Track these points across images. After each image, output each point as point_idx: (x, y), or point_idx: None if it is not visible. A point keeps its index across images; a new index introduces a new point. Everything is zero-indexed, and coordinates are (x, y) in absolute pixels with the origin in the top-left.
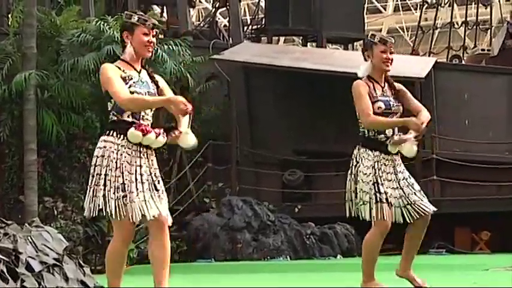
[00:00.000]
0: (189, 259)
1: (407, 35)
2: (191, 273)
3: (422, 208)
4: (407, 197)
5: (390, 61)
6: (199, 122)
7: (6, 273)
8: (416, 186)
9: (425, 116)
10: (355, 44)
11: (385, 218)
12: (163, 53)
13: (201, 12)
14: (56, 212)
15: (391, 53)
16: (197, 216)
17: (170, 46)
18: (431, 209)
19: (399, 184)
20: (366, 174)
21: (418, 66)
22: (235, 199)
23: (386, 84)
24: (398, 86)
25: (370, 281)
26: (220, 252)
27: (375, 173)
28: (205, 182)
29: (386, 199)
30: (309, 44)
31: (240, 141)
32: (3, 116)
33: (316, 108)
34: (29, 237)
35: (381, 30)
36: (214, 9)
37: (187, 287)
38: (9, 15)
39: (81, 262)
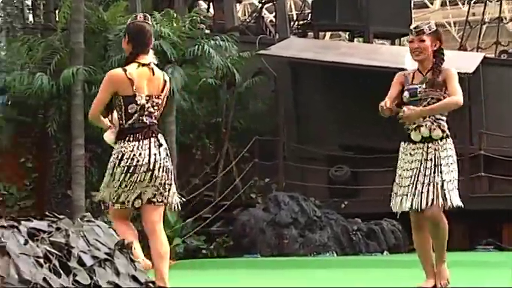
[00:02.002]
0: (235, 254)
1: (455, 30)
2: (238, 268)
3: (422, 201)
4: (415, 186)
5: (417, 50)
6: (246, 118)
7: (59, 267)
8: (445, 176)
9: (444, 101)
10: (402, 39)
11: (394, 209)
12: (210, 49)
13: (247, 8)
14: (103, 207)
15: (421, 40)
16: (243, 212)
17: (217, 41)
18: (428, 204)
19: (419, 171)
20: (397, 167)
21: (466, 61)
22: (282, 195)
23: (429, 73)
24: (445, 72)
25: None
26: (267, 247)
27: (399, 164)
28: (252, 178)
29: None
30: (355, 39)
31: (286, 136)
32: (51, 111)
33: (362, 104)
34: (80, 232)
35: None
36: (260, 4)
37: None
38: (57, 11)
39: (132, 257)
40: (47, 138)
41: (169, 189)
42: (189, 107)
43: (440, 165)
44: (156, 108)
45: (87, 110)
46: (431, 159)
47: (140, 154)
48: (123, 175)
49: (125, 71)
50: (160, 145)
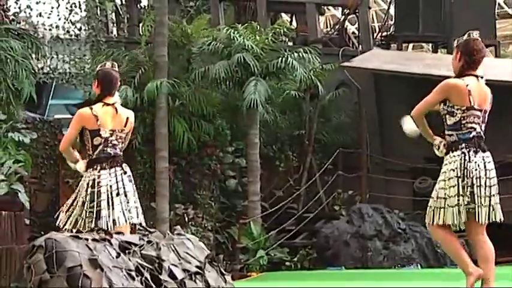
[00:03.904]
0: (319, 267)
1: None
2: (322, 280)
3: None
4: None
5: None
6: (329, 130)
7: (150, 281)
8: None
9: None
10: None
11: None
12: (294, 61)
13: (329, 20)
14: (187, 219)
15: None
16: (327, 224)
17: (300, 54)
18: None
19: None
20: None
21: None
22: (366, 207)
23: None
24: None
25: None
26: (351, 260)
27: None
28: (335, 190)
29: None
30: (439, 50)
31: (370, 148)
32: (135, 124)
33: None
34: (171, 245)
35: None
36: (343, 16)
37: None
38: (140, 25)
39: (222, 270)
40: (131, 151)
41: (134, 211)
42: (272, 119)
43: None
44: (120, 140)
45: (172, 123)
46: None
47: (106, 180)
48: (88, 199)
49: (91, 109)
50: (124, 173)
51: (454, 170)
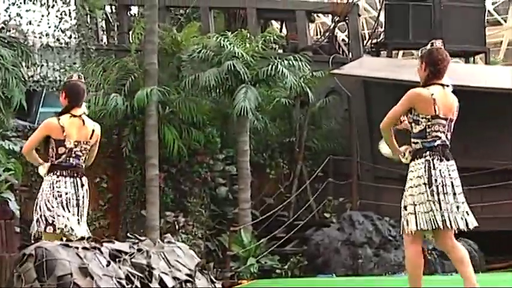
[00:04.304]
0: (309, 274)
1: None
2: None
3: None
4: None
5: None
6: (319, 137)
7: None
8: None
9: None
10: (476, 57)
11: None
12: (284, 68)
13: (319, 27)
14: (177, 227)
15: None
16: (318, 231)
17: (290, 61)
18: None
19: None
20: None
21: None
22: (356, 214)
23: None
24: None
25: None
26: (341, 267)
27: None
28: (326, 197)
29: None
30: None
31: (360, 155)
32: (125, 132)
33: None
34: (161, 253)
35: (501, 43)
36: (333, 23)
37: None
38: (130, 32)
39: (212, 278)
40: (121, 159)
41: (84, 224)
42: (262, 126)
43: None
44: (84, 152)
45: (162, 130)
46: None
47: (64, 188)
48: (50, 199)
49: (59, 119)
50: (82, 185)
51: (420, 177)
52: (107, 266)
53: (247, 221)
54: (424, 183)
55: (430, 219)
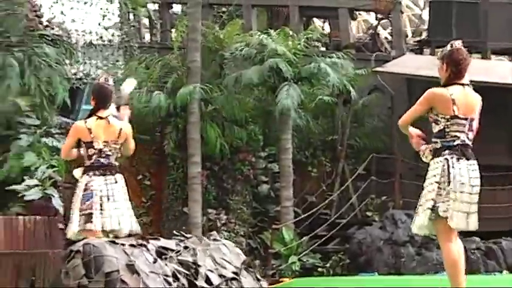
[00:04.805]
0: (351, 273)
1: None
2: (355, 286)
3: None
4: None
5: None
6: (362, 135)
7: (187, 286)
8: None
9: None
10: None
11: None
12: (326, 66)
13: (362, 25)
14: (219, 224)
15: None
16: (360, 230)
17: (332, 59)
18: None
19: None
20: None
21: None
22: (399, 213)
23: None
24: None
25: None
26: (384, 266)
27: None
28: (368, 195)
29: None
30: (473, 55)
31: (403, 154)
32: (167, 129)
33: (484, 121)
34: (207, 251)
35: None
36: (376, 21)
37: None
38: (173, 30)
39: (258, 276)
40: (163, 156)
41: (123, 218)
42: (304, 124)
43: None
44: (114, 151)
45: (204, 128)
46: None
47: (96, 185)
48: (81, 202)
49: (86, 122)
50: (115, 182)
51: (435, 176)
52: (154, 263)
53: (289, 219)
54: (437, 182)
55: (427, 216)
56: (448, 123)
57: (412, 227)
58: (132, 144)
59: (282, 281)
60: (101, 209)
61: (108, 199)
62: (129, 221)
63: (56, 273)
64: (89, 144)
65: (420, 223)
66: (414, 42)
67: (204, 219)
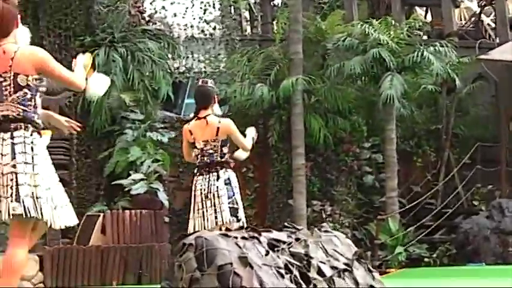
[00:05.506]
0: (458, 263)
1: None
2: (463, 276)
3: None
4: None
5: None
6: (466, 124)
7: (299, 278)
8: None
9: None
10: None
11: None
12: (430, 55)
13: (464, 12)
14: (324, 216)
15: None
16: (466, 220)
17: (436, 47)
18: None
19: None
20: None
21: None
22: (506, 201)
23: None
24: None
25: None
26: (491, 256)
27: None
28: (474, 184)
29: None
30: None
31: (509, 142)
32: (271, 122)
33: None
34: (319, 242)
35: None
36: (479, 8)
37: None
38: (274, 22)
39: (370, 267)
40: (267, 148)
41: (226, 213)
42: (408, 114)
43: None
44: (215, 148)
45: (307, 119)
46: None
47: (200, 185)
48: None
49: (188, 124)
50: (217, 178)
51: None
52: (266, 255)
53: (395, 209)
54: None
55: None
56: None
57: None
58: (240, 139)
59: (388, 272)
60: (204, 208)
61: (207, 197)
62: (236, 213)
63: (165, 266)
64: (193, 145)
65: None
66: None
67: (309, 211)
